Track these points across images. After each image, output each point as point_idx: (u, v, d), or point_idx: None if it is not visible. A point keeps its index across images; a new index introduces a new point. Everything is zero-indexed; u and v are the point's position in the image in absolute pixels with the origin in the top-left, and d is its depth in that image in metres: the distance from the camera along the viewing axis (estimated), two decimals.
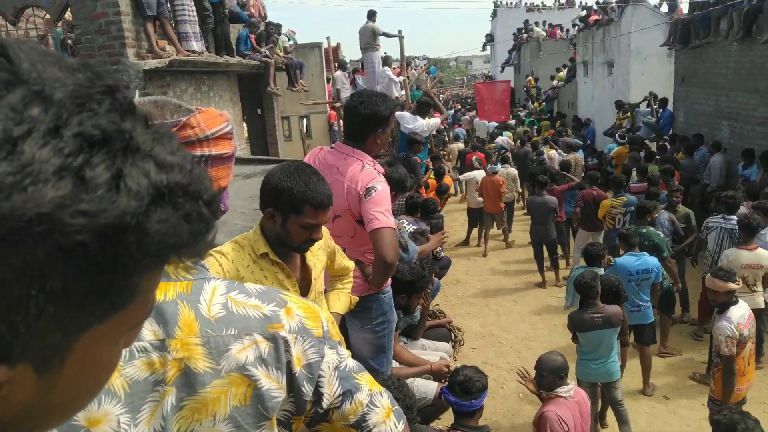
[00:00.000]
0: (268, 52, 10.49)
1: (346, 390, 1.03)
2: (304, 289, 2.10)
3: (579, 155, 12.20)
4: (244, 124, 11.48)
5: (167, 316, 0.90)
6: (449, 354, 4.45)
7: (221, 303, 0.94)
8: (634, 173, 9.17)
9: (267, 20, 11.39)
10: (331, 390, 1.01)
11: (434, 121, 8.01)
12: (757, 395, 5.26)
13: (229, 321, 0.93)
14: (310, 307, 1.03)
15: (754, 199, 6.70)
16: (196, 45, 7.81)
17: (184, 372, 0.89)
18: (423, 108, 8.26)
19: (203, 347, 0.90)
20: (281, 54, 11.35)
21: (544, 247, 8.31)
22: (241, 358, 0.91)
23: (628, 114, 14.25)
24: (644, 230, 5.90)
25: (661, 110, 12.93)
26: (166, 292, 0.93)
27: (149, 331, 0.88)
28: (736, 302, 4.18)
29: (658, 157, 10.69)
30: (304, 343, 0.98)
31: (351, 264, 2.45)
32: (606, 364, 4.46)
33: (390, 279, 2.81)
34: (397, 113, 8.47)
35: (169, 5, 7.45)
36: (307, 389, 0.98)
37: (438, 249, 5.41)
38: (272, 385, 0.93)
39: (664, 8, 14.71)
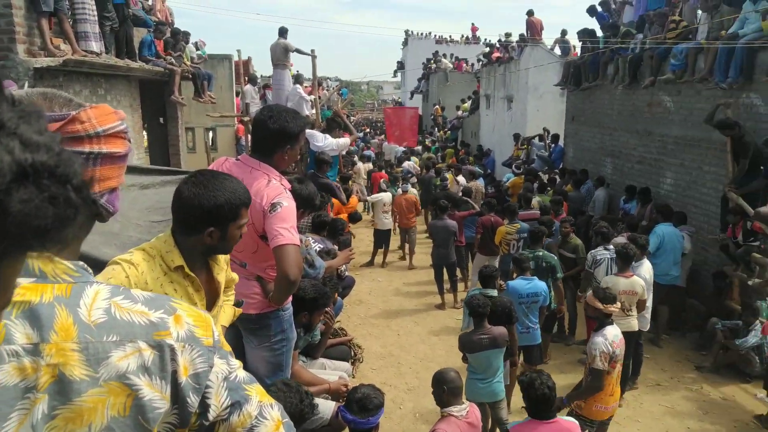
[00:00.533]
0: (174, 60, 10.13)
1: (234, 401, 1.01)
2: (210, 303, 2.05)
3: (480, 183, 12.79)
4: (144, 133, 10.95)
5: (42, 318, 0.84)
6: (348, 373, 4.45)
7: (103, 308, 0.90)
8: (534, 201, 9.75)
9: (174, 27, 11.02)
10: (218, 401, 0.99)
11: (344, 141, 8.09)
12: (631, 413, 5.71)
13: (111, 327, 0.88)
14: (201, 315, 1.00)
15: (633, 231, 7.36)
16: (96, 45, 7.39)
17: (58, 379, 0.83)
18: (331, 126, 8.31)
19: (80, 353, 0.85)
20: (188, 63, 11.01)
21: (445, 270, 8.58)
22: (122, 366, 0.87)
23: (525, 146, 15.16)
24: (540, 253, 6.31)
25: (553, 145, 13.88)
26: (42, 293, 0.87)
27: (22, 334, 0.83)
28: (611, 323, 4.50)
29: (548, 188, 11.45)
30: (192, 351, 0.95)
31: (236, 276, 2.39)
32: (492, 384, 4.66)
33: (291, 296, 2.78)
34: (308, 131, 8.47)
35: (68, 2, 7.02)
36: (193, 400, 0.95)
37: (342, 268, 5.42)
38: (155, 395, 0.90)
39: (557, 51, 15.92)
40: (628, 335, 5.66)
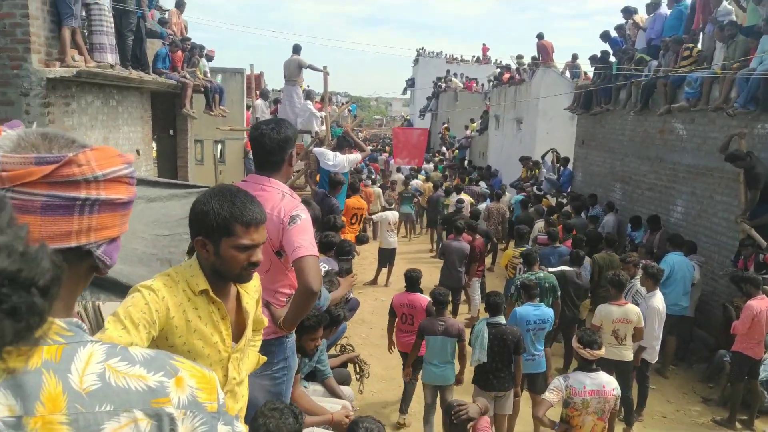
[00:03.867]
0: (187, 74, 10.20)
1: None
2: (237, 335, 1.95)
3: (501, 204, 12.61)
4: (154, 144, 11.00)
5: (27, 388, 0.77)
6: (351, 399, 4.37)
7: (97, 373, 0.83)
8: (539, 225, 9.65)
9: (190, 41, 11.11)
10: None
11: (354, 157, 8.11)
12: None
13: (105, 395, 0.82)
14: (206, 376, 0.94)
15: (649, 258, 7.28)
16: (111, 57, 7.45)
17: None
18: (342, 144, 8.35)
19: (69, 426, 0.78)
20: (201, 76, 11.08)
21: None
22: None
23: (536, 170, 15.07)
24: (542, 275, 6.24)
25: (562, 168, 13.82)
26: (29, 358, 0.80)
27: (3, 406, 0.76)
28: (594, 369, 4.19)
29: (555, 213, 11.32)
30: (194, 419, 0.89)
31: (266, 320, 2.30)
32: (444, 369, 5.24)
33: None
34: (318, 150, 8.49)
35: (84, 14, 7.09)
36: None
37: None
38: None
39: (568, 75, 15.94)
40: (621, 365, 5.57)
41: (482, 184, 15.81)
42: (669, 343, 7.24)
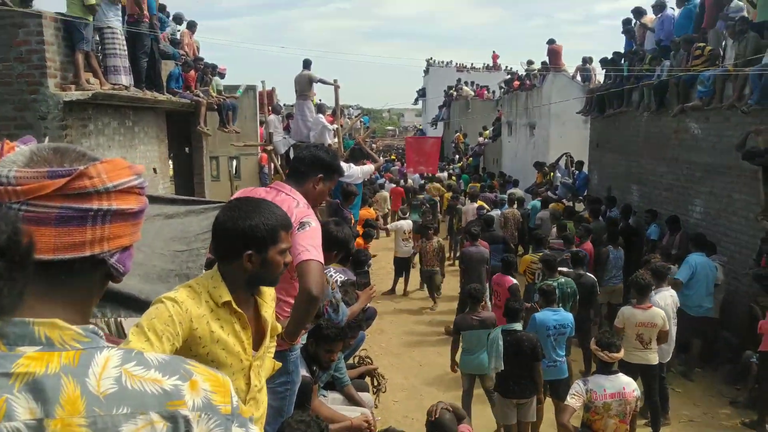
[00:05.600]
0: (200, 92, 10.35)
1: None
2: (257, 343, 2.00)
3: (516, 211, 12.46)
4: (170, 162, 11.15)
5: (48, 391, 0.80)
6: (370, 406, 4.36)
7: (113, 377, 0.85)
8: (554, 230, 9.58)
9: (203, 60, 11.29)
10: None
11: (368, 168, 8.14)
12: None
13: (121, 398, 0.84)
14: (220, 379, 0.96)
15: (667, 261, 7.18)
16: (125, 79, 7.60)
17: None
18: (356, 155, 8.40)
19: (88, 428, 0.81)
20: (214, 94, 11.23)
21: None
22: None
23: (549, 174, 14.99)
24: (562, 280, 6.18)
25: (577, 172, 13.73)
26: (48, 363, 0.83)
27: (25, 409, 0.78)
28: (615, 372, 4.18)
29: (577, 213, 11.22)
30: (209, 421, 0.90)
31: (279, 326, 2.32)
32: (479, 358, 5.53)
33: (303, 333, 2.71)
34: None
35: (97, 38, 7.25)
36: None
37: None
38: None
39: (579, 78, 15.88)
40: (647, 369, 5.49)
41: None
42: (694, 345, 7.12)
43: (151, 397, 0.86)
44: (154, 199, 4.61)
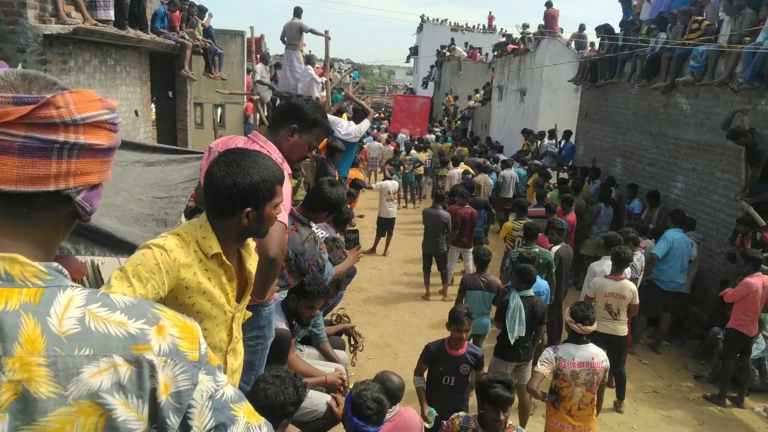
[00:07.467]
0: (186, 34, 10.01)
1: (219, 423, 0.92)
2: (240, 295, 1.99)
3: (487, 176, 12.47)
4: (153, 106, 10.87)
5: (6, 329, 0.77)
6: (345, 363, 4.41)
7: (76, 317, 0.82)
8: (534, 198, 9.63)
9: (189, 0, 10.87)
10: (201, 422, 0.90)
11: (365, 125, 8.03)
12: (627, 420, 5.67)
13: (84, 339, 0.81)
14: (188, 325, 0.93)
15: (644, 235, 7.26)
16: (107, 14, 7.29)
17: (22, 396, 0.77)
18: (358, 115, 8.29)
19: (48, 368, 0.78)
20: (200, 37, 10.88)
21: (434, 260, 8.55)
22: (95, 384, 0.80)
23: (537, 143, 14.93)
24: (537, 249, 6.23)
25: (564, 141, 13.70)
26: (7, 299, 0.79)
27: None
28: (585, 342, 4.24)
29: (553, 185, 11.26)
30: (174, 367, 0.87)
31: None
32: (481, 320, 5.72)
33: (275, 291, 2.68)
34: (332, 118, 8.38)
35: None
36: (173, 421, 0.87)
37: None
38: (130, 415, 0.83)
39: (573, 46, 15.68)
40: (615, 339, 5.59)
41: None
42: (663, 320, 7.30)
43: (115, 340, 0.83)
44: (134, 146, 4.54)
